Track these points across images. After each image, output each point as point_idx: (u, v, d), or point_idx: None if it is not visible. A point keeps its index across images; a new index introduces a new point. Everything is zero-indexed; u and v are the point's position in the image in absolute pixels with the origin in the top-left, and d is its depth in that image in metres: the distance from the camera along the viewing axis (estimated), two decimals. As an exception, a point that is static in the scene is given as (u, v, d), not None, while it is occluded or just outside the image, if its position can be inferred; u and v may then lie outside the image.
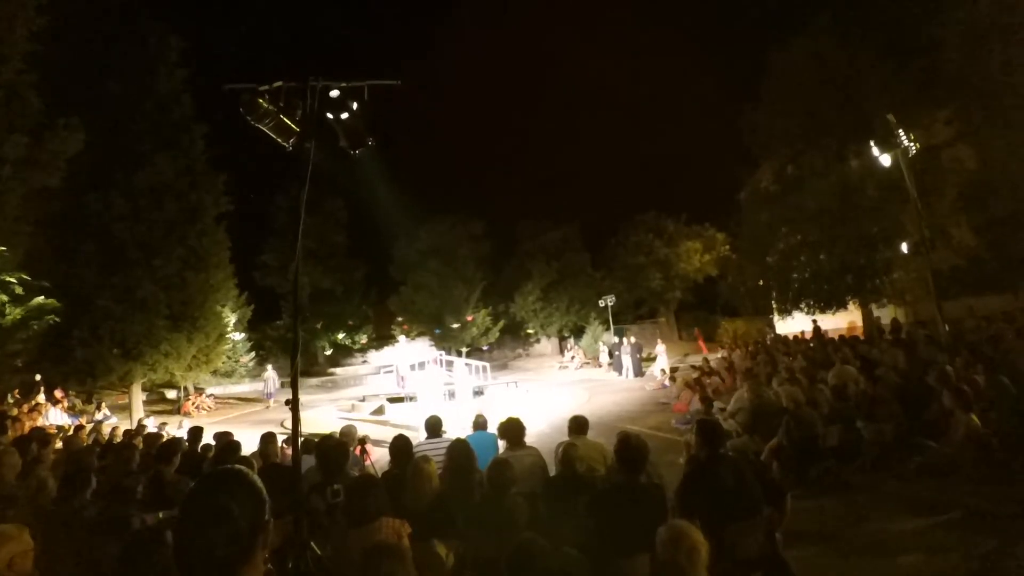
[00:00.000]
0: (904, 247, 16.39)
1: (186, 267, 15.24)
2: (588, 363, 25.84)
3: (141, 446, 7.26)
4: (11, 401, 12.58)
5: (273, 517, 3.05)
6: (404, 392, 17.31)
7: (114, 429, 11.71)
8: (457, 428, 8.86)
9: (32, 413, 12.32)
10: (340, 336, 32.55)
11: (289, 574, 2.30)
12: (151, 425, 12.74)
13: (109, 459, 6.51)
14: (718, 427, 3.66)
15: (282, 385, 20.69)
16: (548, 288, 30.28)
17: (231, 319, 19.37)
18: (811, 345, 15.06)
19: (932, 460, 6.03)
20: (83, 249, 13.81)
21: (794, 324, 21.28)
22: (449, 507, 3.14)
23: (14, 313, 9.52)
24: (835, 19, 17.27)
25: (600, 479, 3.90)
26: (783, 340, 18.41)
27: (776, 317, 24.03)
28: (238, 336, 21.66)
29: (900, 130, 10.57)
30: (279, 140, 2.58)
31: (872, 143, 11.66)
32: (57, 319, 10.71)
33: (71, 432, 10.58)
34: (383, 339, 32.12)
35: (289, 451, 6.36)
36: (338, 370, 30.17)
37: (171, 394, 20.54)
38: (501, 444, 4.74)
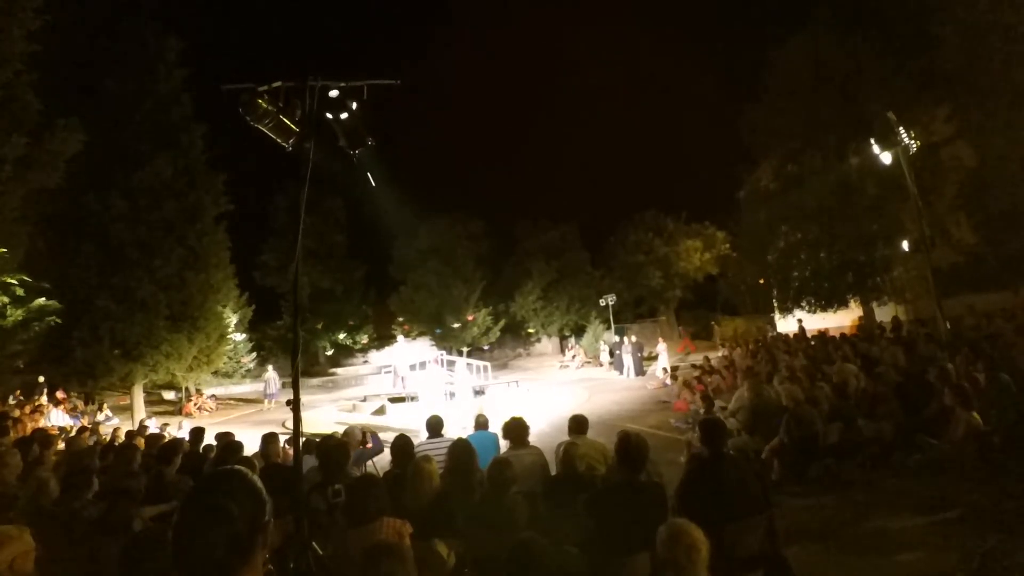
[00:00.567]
0: (904, 245, 16.41)
1: (186, 267, 15.24)
2: (589, 362, 25.85)
3: (143, 447, 7.27)
4: (13, 402, 12.59)
5: (274, 517, 3.06)
6: (404, 392, 17.31)
7: (115, 430, 11.72)
8: (458, 428, 8.87)
9: (34, 414, 12.33)
10: (341, 336, 32.56)
11: (290, 574, 2.30)
12: (152, 426, 12.74)
13: (110, 460, 6.52)
14: (721, 426, 3.66)
15: (283, 385, 20.69)
16: (548, 287, 30.31)
17: (232, 319, 19.36)
18: (811, 343, 15.08)
19: (932, 458, 6.03)
20: (82, 249, 13.82)
21: (795, 322, 21.30)
22: (450, 506, 3.15)
23: (15, 314, 9.53)
24: (834, 16, 17.27)
25: (600, 478, 3.91)
26: (783, 338, 18.42)
27: (777, 315, 24.05)
28: (239, 337, 21.66)
29: (900, 128, 10.58)
30: (279, 140, 2.58)
31: (872, 141, 11.65)
32: (58, 320, 10.72)
33: (73, 433, 10.60)
34: (384, 339, 32.13)
35: (291, 451, 6.37)
36: (339, 370, 30.19)
37: (169, 395, 20.53)
38: (504, 443, 4.74)
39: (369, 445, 5.38)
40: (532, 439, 4.71)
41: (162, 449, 5.67)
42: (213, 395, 20.85)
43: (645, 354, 21.03)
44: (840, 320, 20.02)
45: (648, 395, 15.58)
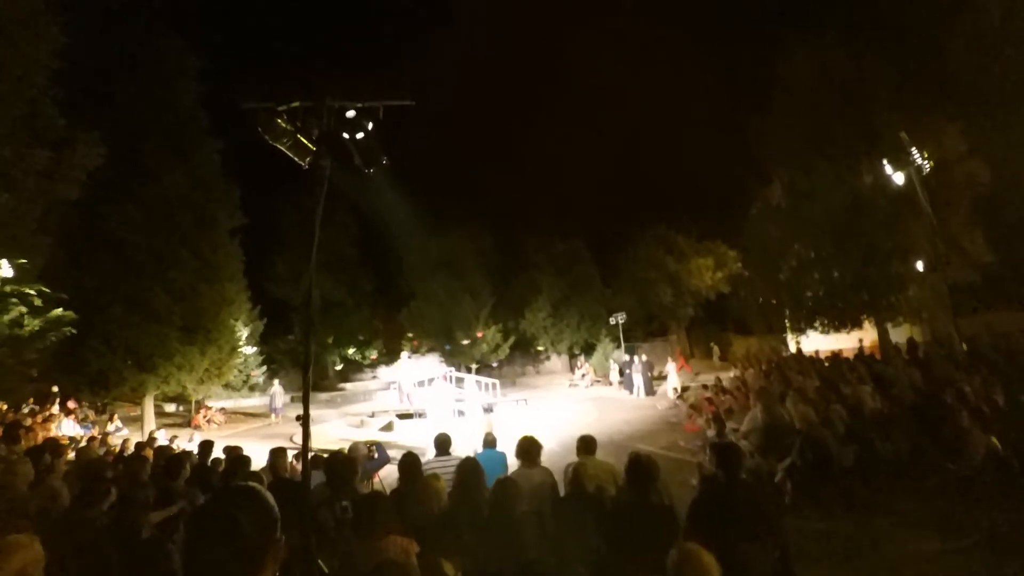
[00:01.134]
0: (919, 265, 16.20)
1: (200, 279, 15.43)
2: (599, 381, 25.67)
3: (151, 458, 7.30)
4: (26, 411, 12.71)
5: (282, 530, 3.04)
6: (412, 409, 17.28)
7: (124, 441, 11.79)
8: (467, 446, 8.81)
9: (46, 423, 12.44)
10: (351, 351, 32.63)
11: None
12: (162, 438, 12.80)
13: (120, 470, 6.56)
14: (737, 451, 3.61)
15: (291, 399, 20.73)
16: (558, 304, 30.23)
17: (244, 332, 19.50)
18: (825, 364, 14.86)
19: (950, 480, 5.90)
20: (97, 260, 14.02)
21: (808, 343, 21.01)
22: (457, 524, 3.12)
23: (32, 324, 9.66)
24: (842, 26, 17.29)
25: (611, 499, 3.86)
26: (796, 359, 18.17)
27: (789, 335, 23.77)
28: (250, 350, 21.78)
29: (912, 148, 10.54)
30: (296, 158, 2.62)
31: (885, 161, 11.62)
32: (73, 331, 10.85)
33: (83, 443, 10.68)
34: (393, 354, 32.14)
35: (298, 466, 6.36)
36: (348, 385, 30.20)
37: (170, 407, 20.61)
38: (514, 462, 4.70)
39: (375, 456, 5.38)
40: (541, 458, 4.67)
41: (170, 461, 5.69)
42: (222, 408, 20.94)
43: (655, 373, 20.84)
44: (854, 341, 19.76)
45: (658, 415, 15.41)
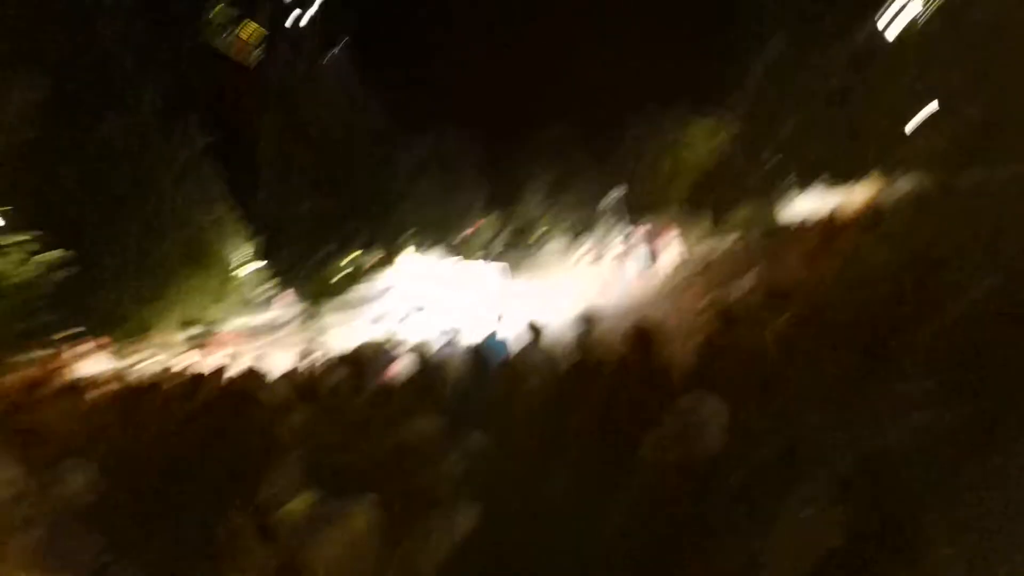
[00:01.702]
0: None
1: (184, 206, 15.18)
2: (601, 260, 25.89)
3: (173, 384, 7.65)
4: (53, 356, 13.19)
5: (313, 425, 3.20)
6: (418, 305, 17.77)
7: (150, 370, 12.31)
8: (476, 335, 9.16)
9: (73, 364, 12.96)
10: (354, 256, 32.81)
11: (332, 474, 2.52)
12: (184, 363, 13.33)
13: (149, 397, 6.91)
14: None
15: (302, 309, 21.27)
16: (554, 189, 29.87)
17: (240, 254, 19.57)
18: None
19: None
20: (80, 201, 13.69)
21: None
22: (470, 405, 3.35)
23: (24, 271, 9.70)
24: None
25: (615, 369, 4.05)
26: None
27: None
28: (251, 268, 21.95)
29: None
30: (239, 60, 2.44)
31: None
32: (70, 272, 10.88)
33: (114, 377, 11.18)
34: (397, 255, 32.30)
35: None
36: (357, 289, 30.69)
37: (189, 333, 21.23)
38: (520, 343, 4.90)
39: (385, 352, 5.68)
40: (547, 340, 4.85)
41: (190, 383, 5.97)
42: (238, 329, 21.54)
43: (658, 251, 20.94)
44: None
45: (662, 291, 15.73)
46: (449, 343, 5.44)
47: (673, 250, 19.19)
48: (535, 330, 4.64)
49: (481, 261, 27.85)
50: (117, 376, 11.28)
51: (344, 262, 32.53)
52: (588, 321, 4.81)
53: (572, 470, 2.39)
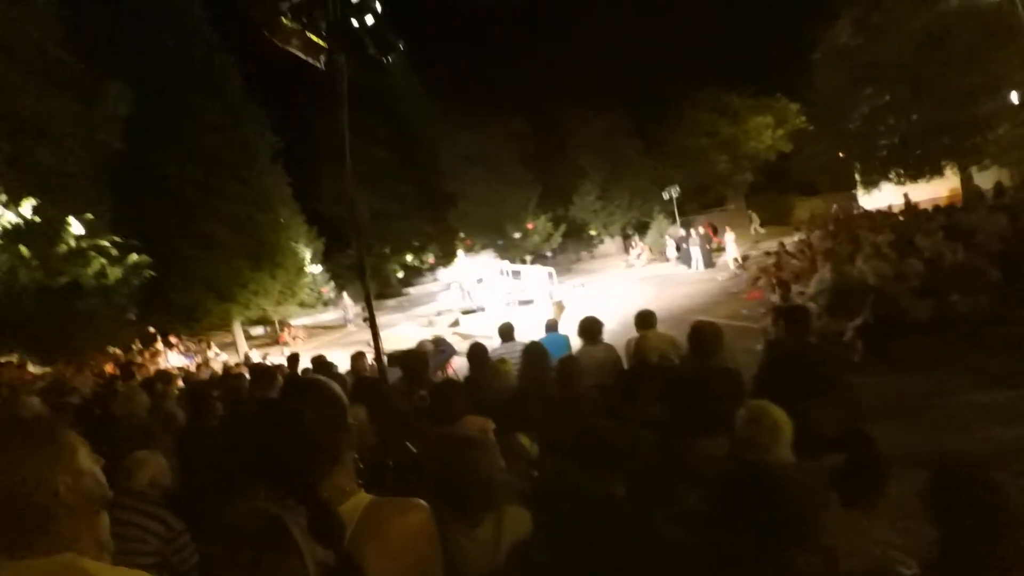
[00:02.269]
0: (1014, 97, 14.21)
1: (253, 208, 15.93)
2: (655, 259, 25.35)
3: (248, 375, 8.05)
4: (135, 350, 14.20)
5: (369, 422, 3.30)
6: (473, 305, 17.94)
7: (224, 364, 13.06)
8: (531, 332, 9.13)
9: (154, 358, 13.94)
10: (408, 258, 33.63)
11: (388, 469, 2.53)
12: (255, 357, 14.08)
13: (223, 389, 7.30)
14: (805, 312, 3.52)
15: (361, 309, 21.94)
16: (606, 184, 29.23)
17: (306, 253, 20.39)
18: (900, 218, 13.90)
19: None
20: (158, 203, 14.61)
21: (881, 197, 19.56)
22: (527, 402, 3.30)
23: (115, 273, 10.43)
24: None
25: (672, 368, 3.92)
26: (867, 216, 17.10)
27: (860, 191, 22.15)
28: (316, 269, 22.87)
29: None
30: (309, 60, 2.51)
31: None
32: (153, 273, 11.64)
33: (192, 369, 11.92)
34: (449, 256, 32.81)
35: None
36: (411, 289, 31.46)
37: (257, 331, 22.33)
38: (577, 343, 4.84)
39: (442, 350, 5.72)
40: (604, 337, 4.76)
41: (264, 374, 6.25)
42: (304, 325, 22.54)
43: (713, 245, 20.29)
44: (932, 192, 18.22)
45: (719, 287, 15.24)
46: (506, 340, 5.43)
47: (731, 247, 18.58)
48: (592, 328, 4.56)
49: (536, 260, 27.95)
50: (194, 369, 12.06)
51: (402, 261, 33.51)
52: (646, 320, 4.66)
53: (631, 472, 2.31)
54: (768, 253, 15.19)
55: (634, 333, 4.74)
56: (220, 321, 16.76)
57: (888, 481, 2.87)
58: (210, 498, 2.65)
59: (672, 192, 24.69)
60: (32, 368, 10.19)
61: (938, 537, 1.79)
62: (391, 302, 27.67)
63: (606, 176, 29.09)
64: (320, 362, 6.89)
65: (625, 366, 4.29)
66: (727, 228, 19.84)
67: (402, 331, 17.18)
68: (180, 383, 8.90)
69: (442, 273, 31.94)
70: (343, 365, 7.15)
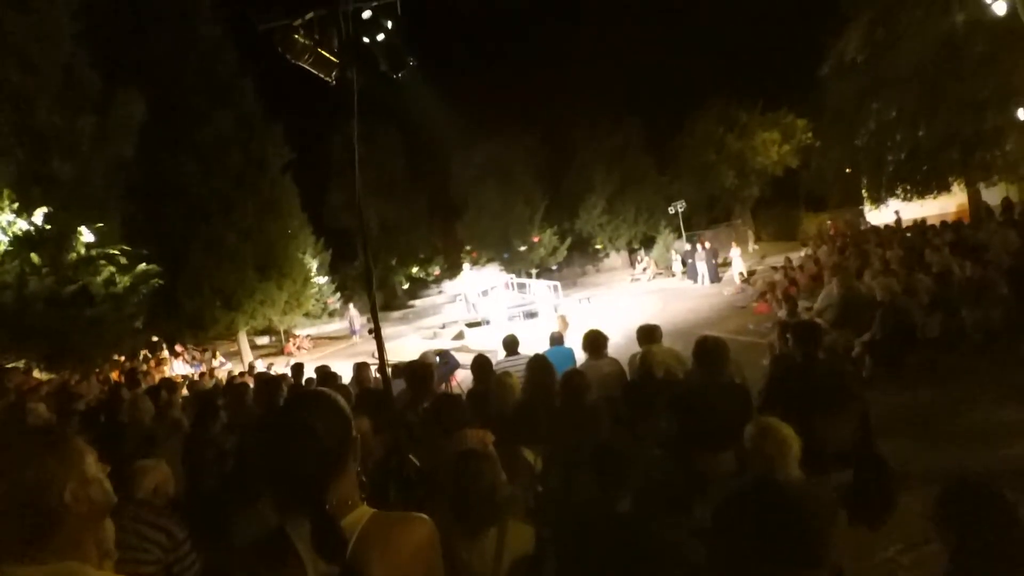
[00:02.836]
0: (1020, 113, 14.19)
1: (263, 218, 16.06)
2: (661, 273, 25.32)
3: (252, 384, 8.06)
4: (140, 358, 14.26)
5: (373, 433, 3.30)
6: (479, 317, 17.93)
7: (229, 373, 13.08)
8: (535, 345, 9.11)
9: (159, 366, 13.99)
10: (414, 270, 33.74)
11: (393, 482, 2.52)
12: (260, 366, 14.10)
13: (228, 397, 7.32)
14: (816, 327, 3.50)
15: (367, 320, 21.98)
16: (613, 198, 29.33)
17: (313, 264, 20.50)
18: (907, 234, 13.85)
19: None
20: (168, 212, 14.79)
21: (889, 213, 19.50)
22: (533, 415, 3.29)
23: (124, 281, 10.52)
24: None
25: (678, 383, 3.90)
26: (875, 231, 17.03)
27: (867, 207, 22.07)
28: (322, 279, 22.99)
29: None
30: (321, 75, 2.55)
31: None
32: (161, 281, 11.73)
33: (196, 378, 11.94)
34: (455, 268, 32.92)
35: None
36: (416, 302, 31.52)
37: (262, 340, 22.41)
38: (582, 355, 4.83)
39: (446, 362, 5.71)
40: (609, 351, 4.75)
41: (269, 384, 6.25)
42: (308, 335, 22.61)
43: (720, 260, 20.25)
44: (939, 208, 18.13)
45: (725, 301, 15.17)
46: (511, 353, 5.42)
47: (737, 261, 18.53)
48: (598, 341, 4.54)
49: (542, 273, 27.96)
50: (200, 376, 12.08)
51: (408, 273, 33.60)
52: (650, 334, 4.65)
53: (638, 488, 2.29)
54: (775, 268, 15.16)
55: (638, 348, 4.73)
56: (226, 330, 16.81)
57: (897, 498, 2.83)
58: (215, 507, 2.65)
59: (678, 206, 24.71)
60: (37, 374, 10.25)
61: (948, 555, 1.76)
62: (396, 314, 27.71)
63: (614, 190, 29.19)
64: (324, 373, 6.90)
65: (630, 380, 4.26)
66: (733, 243, 19.83)
67: (407, 343, 17.20)
68: (185, 391, 8.94)
69: (447, 285, 32.04)
70: (347, 376, 7.16)
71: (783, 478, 2.18)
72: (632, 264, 29.65)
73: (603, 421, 3.17)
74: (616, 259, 32.25)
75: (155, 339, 15.58)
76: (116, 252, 10.44)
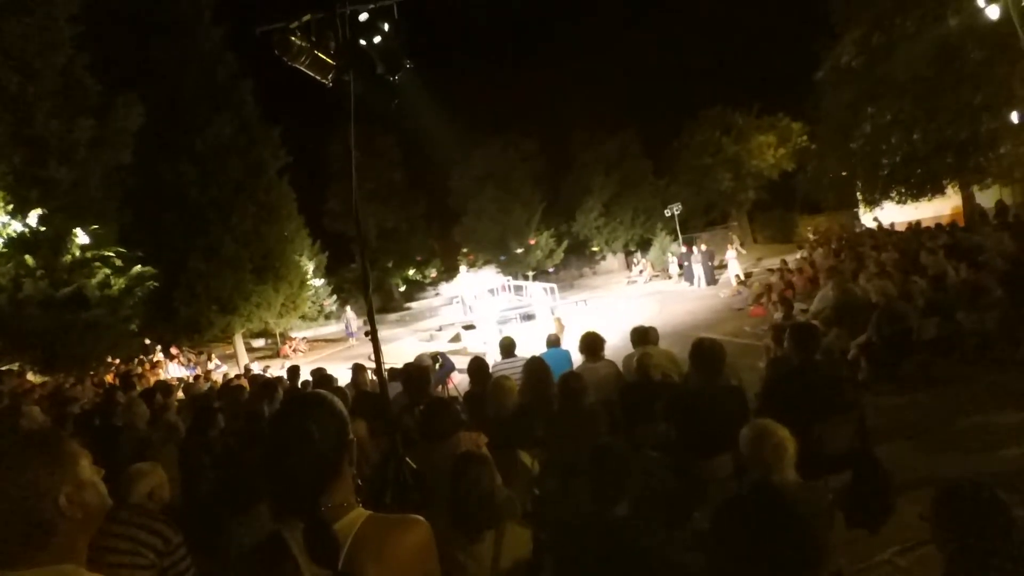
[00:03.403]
0: (1014, 116, 14.30)
1: (260, 222, 16.04)
2: (657, 276, 25.35)
3: (248, 387, 8.03)
4: (135, 362, 14.19)
5: (370, 436, 3.29)
6: (476, 319, 17.92)
7: (224, 376, 13.02)
8: (532, 348, 9.12)
9: (154, 369, 13.92)
10: (411, 272, 33.73)
11: (389, 485, 2.51)
12: (256, 369, 14.05)
13: (224, 400, 7.29)
14: (813, 330, 3.50)
15: (363, 322, 21.93)
16: (610, 202, 29.41)
17: (309, 267, 20.46)
18: (902, 236, 13.92)
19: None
20: (165, 217, 14.76)
21: (883, 216, 19.60)
22: (530, 418, 3.29)
23: (119, 283, 10.49)
24: None
25: (675, 385, 3.91)
26: (870, 234, 17.11)
27: (862, 210, 22.18)
28: (318, 282, 22.94)
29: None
30: (318, 77, 2.55)
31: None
32: (156, 284, 11.69)
33: (190, 381, 11.89)
34: (451, 270, 32.92)
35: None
36: (413, 304, 31.50)
37: (258, 343, 22.33)
38: (579, 358, 4.82)
39: (442, 364, 5.71)
40: (605, 353, 4.75)
41: (265, 386, 6.24)
42: (304, 337, 22.55)
43: (716, 263, 20.29)
44: (934, 211, 18.23)
45: (721, 303, 15.20)
46: (507, 356, 5.41)
47: (734, 264, 18.57)
48: (594, 344, 4.54)
49: (538, 275, 27.96)
50: (196, 379, 12.03)
51: (405, 276, 33.59)
52: (644, 336, 4.66)
53: (636, 492, 2.29)
54: (771, 270, 15.21)
55: (634, 349, 4.73)
56: (222, 333, 16.76)
57: (894, 502, 2.84)
58: (211, 512, 2.63)
59: (674, 209, 24.77)
60: (31, 377, 10.19)
61: (945, 557, 1.77)
62: (393, 316, 27.67)
63: (611, 194, 29.28)
64: (320, 375, 6.88)
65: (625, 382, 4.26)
66: (728, 246, 19.87)
67: (403, 345, 17.16)
68: (180, 394, 8.90)
69: (444, 288, 32.02)
70: (343, 378, 7.14)
71: (780, 481, 2.18)
72: (629, 267, 29.70)
73: (601, 424, 3.17)
74: (613, 261, 32.29)
75: (148, 342, 15.52)
76: (111, 254, 10.41)
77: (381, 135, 30.19)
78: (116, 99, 10.63)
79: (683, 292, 19.51)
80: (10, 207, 8.86)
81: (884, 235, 15.40)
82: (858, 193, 20.68)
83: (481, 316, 17.13)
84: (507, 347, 5.49)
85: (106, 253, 10.33)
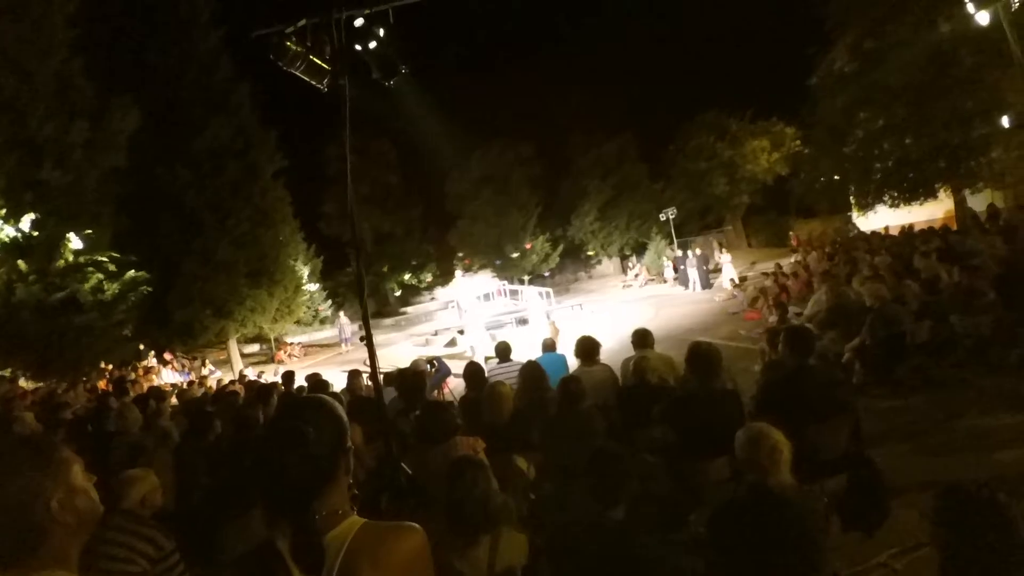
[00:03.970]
0: (1005, 121, 14.46)
1: (255, 225, 15.99)
2: (653, 280, 25.42)
3: (242, 392, 7.99)
4: (129, 367, 14.09)
5: (365, 442, 3.28)
6: (476, 322, 17.90)
7: (219, 381, 12.95)
8: (528, 352, 9.11)
9: (148, 375, 13.81)
10: (406, 276, 33.65)
11: (385, 490, 2.50)
12: (250, 374, 13.96)
13: (218, 406, 7.24)
14: (809, 333, 3.51)
15: (358, 327, 21.83)
16: (606, 206, 29.49)
17: (304, 271, 20.39)
18: (896, 240, 14.01)
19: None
20: (161, 220, 14.70)
21: (876, 220, 19.73)
22: (526, 423, 3.28)
23: (112, 288, 10.42)
24: None
25: (672, 389, 3.91)
26: (864, 238, 17.22)
27: (855, 214, 22.34)
28: (313, 287, 22.87)
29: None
30: (313, 82, 2.55)
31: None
32: (150, 289, 11.61)
33: (184, 387, 11.82)
34: (447, 275, 32.89)
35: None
36: (408, 309, 31.41)
37: (253, 348, 22.22)
38: (574, 362, 4.82)
39: (438, 369, 5.69)
40: (601, 357, 4.75)
41: (260, 392, 6.21)
42: (299, 343, 22.45)
43: (711, 267, 20.36)
44: (926, 214, 18.36)
45: (717, 307, 15.24)
46: (503, 360, 5.40)
47: (728, 268, 18.64)
48: (590, 348, 4.54)
49: (534, 279, 28.01)
50: (190, 385, 11.95)
51: (400, 280, 33.51)
52: (644, 339, 4.66)
53: (634, 496, 2.29)
54: (766, 274, 15.27)
55: (631, 352, 4.73)
56: (216, 337, 16.67)
57: (889, 504, 2.84)
58: (204, 519, 2.61)
59: (669, 213, 24.88)
60: (23, 383, 10.11)
61: (941, 559, 1.77)
62: (388, 320, 27.60)
63: (607, 198, 29.37)
64: (315, 380, 6.85)
65: (622, 386, 4.26)
66: (724, 249, 19.96)
67: (399, 350, 17.12)
68: (174, 400, 8.83)
69: (440, 292, 31.99)
70: (338, 383, 7.11)
71: (776, 484, 2.18)
72: (624, 270, 29.78)
73: (598, 428, 3.17)
74: (608, 265, 32.36)
75: (142, 347, 15.43)
76: (105, 259, 10.35)
77: (377, 139, 30.19)
78: (112, 102, 10.59)
79: (678, 296, 19.56)
80: (3, 212, 8.80)
81: (877, 240, 15.49)
82: (851, 197, 20.82)
83: (469, 321, 17.12)
84: (503, 351, 5.49)
85: (99, 258, 10.27)
